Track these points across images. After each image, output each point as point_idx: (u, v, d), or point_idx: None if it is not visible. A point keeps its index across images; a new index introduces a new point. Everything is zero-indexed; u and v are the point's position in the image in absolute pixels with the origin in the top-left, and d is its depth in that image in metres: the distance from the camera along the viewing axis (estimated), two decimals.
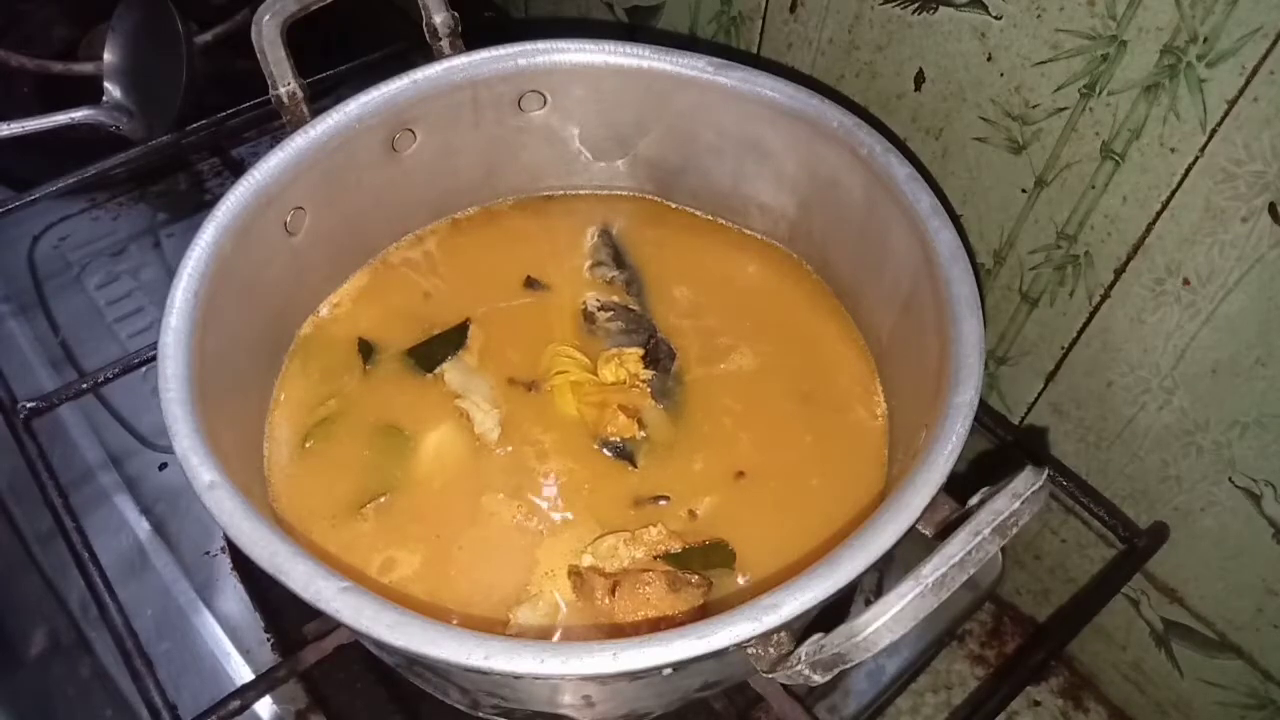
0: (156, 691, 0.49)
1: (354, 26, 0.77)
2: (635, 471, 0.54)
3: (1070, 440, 0.62)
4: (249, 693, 0.52)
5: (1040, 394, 0.62)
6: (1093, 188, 0.52)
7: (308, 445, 0.54)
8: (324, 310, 0.60)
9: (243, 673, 0.62)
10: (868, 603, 0.36)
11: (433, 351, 0.58)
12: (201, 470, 0.41)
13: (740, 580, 0.50)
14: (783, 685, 0.55)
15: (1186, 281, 0.51)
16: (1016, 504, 0.37)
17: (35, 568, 0.68)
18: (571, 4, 0.84)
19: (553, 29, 0.88)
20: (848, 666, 0.36)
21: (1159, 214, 0.50)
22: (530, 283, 0.62)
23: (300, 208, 0.55)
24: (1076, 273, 0.56)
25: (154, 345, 0.46)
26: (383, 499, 0.52)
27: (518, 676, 0.36)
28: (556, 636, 0.48)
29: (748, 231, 0.65)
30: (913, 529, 0.40)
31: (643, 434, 0.55)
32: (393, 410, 0.56)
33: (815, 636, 0.37)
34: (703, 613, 0.47)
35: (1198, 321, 0.51)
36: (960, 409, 0.43)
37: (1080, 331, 0.57)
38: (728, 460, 0.54)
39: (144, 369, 0.61)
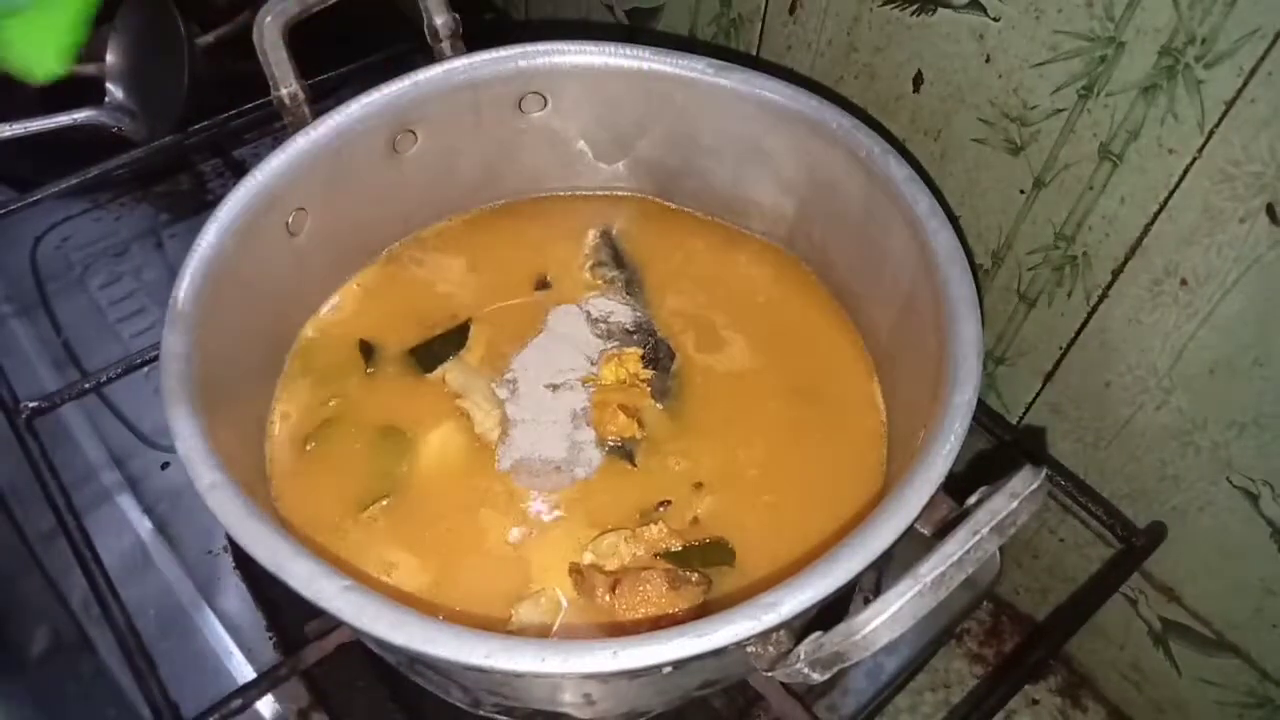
0: (158, 690, 0.50)
1: (355, 28, 0.77)
2: (635, 470, 0.54)
3: (1068, 440, 0.62)
4: (251, 691, 0.52)
5: (1038, 394, 0.62)
6: (1090, 189, 0.52)
7: (309, 446, 0.54)
8: (325, 311, 0.60)
9: (244, 671, 0.62)
10: (866, 601, 0.36)
11: (434, 352, 0.58)
12: (203, 470, 0.41)
13: (740, 578, 0.50)
14: (782, 683, 0.55)
15: (1184, 282, 0.51)
16: (1015, 503, 0.37)
17: (37, 567, 0.68)
18: (572, 6, 0.84)
19: (553, 31, 0.88)
20: (846, 665, 0.37)
21: (1156, 215, 0.50)
22: (531, 283, 0.62)
23: (302, 208, 0.55)
24: (1074, 273, 0.56)
25: (156, 345, 0.46)
26: (384, 499, 0.52)
27: (518, 675, 0.36)
28: (555, 634, 0.48)
29: (747, 232, 0.65)
30: (911, 528, 0.40)
31: (642, 433, 0.55)
32: (394, 411, 0.56)
33: (814, 635, 0.37)
34: (703, 611, 0.47)
35: (1195, 322, 0.51)
36: (959, 409, 0.43)
37: (1078, 332, 0.58)
38: (727, 459, 0.54)
39: (146, 369, 0.61)
